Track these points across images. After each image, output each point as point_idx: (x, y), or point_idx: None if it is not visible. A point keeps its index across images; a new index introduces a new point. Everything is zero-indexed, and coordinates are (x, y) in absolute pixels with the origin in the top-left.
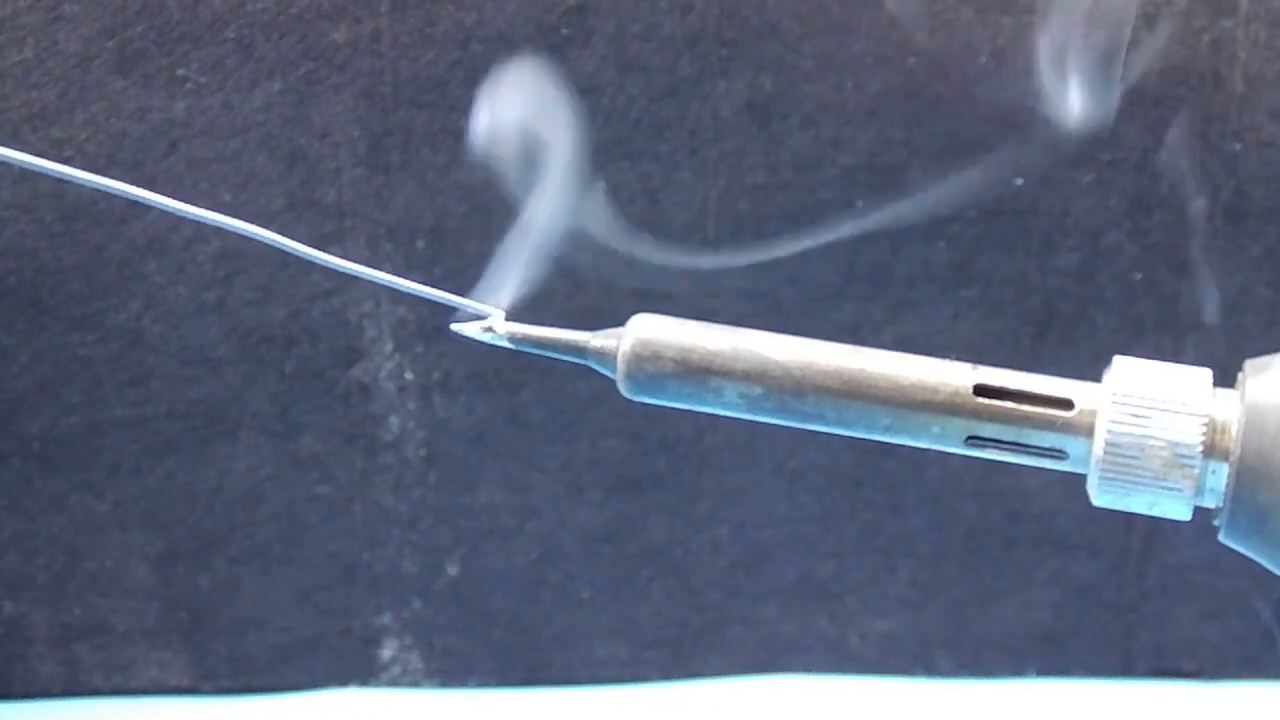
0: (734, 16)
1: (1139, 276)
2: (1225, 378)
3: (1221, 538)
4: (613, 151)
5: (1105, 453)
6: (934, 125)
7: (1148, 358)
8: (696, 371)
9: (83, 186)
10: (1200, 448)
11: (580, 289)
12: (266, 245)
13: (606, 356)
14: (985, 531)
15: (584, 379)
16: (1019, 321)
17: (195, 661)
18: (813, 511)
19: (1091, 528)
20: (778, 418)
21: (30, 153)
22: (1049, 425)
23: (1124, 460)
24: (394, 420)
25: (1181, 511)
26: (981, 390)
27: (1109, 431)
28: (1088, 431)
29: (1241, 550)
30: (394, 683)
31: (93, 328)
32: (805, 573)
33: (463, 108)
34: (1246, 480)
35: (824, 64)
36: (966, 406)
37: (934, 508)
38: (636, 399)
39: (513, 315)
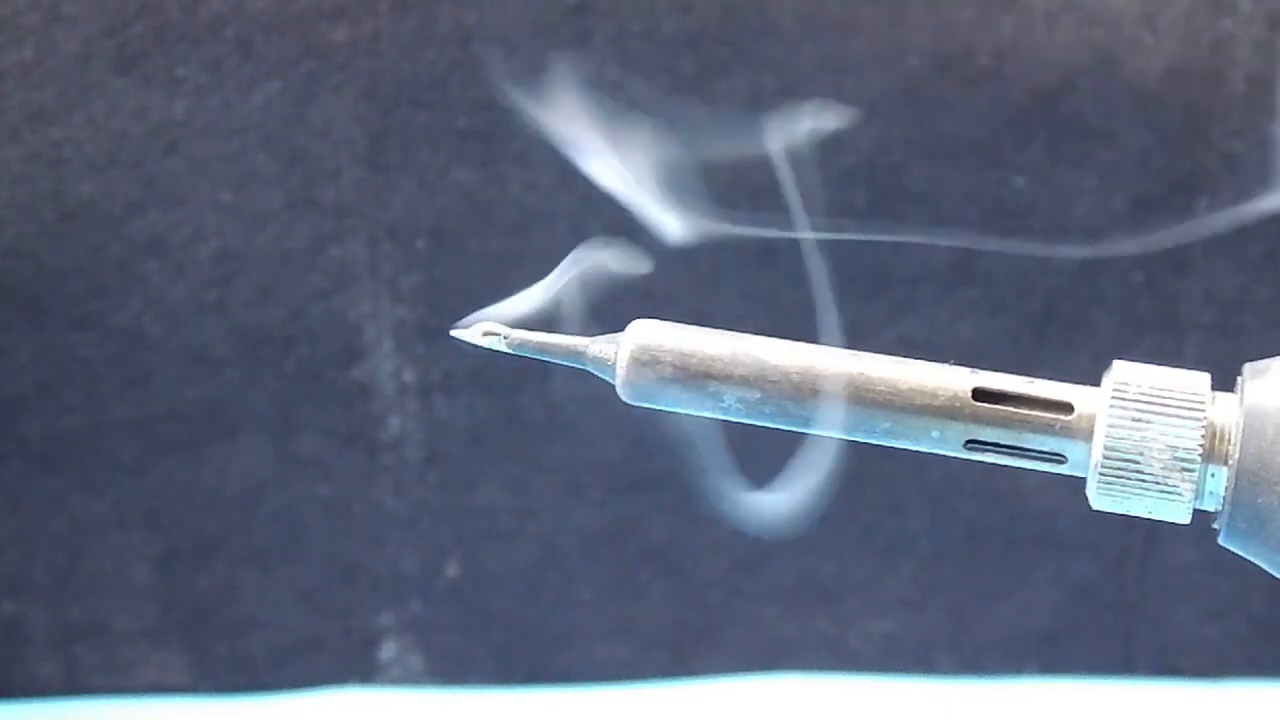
0: (734, 16)
1: (1139, 276)
2: (1225, 379)
3: (1221, 541)
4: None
5: (1104, 456)
6: (934, 125)
7: (1148, 358)
8: (695, 377)
9: (82, 186)
10: (1199, 451)
11: (579, 289)
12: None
13: (605, 362)
14: (985, 531)
15: (584, 379)
16: (1019, 321)
17: (195, 661)
18: (813, 511)
19: (1092, 528)
20: (777, 422)
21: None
22: (1048, 429)
23: (1123, 464)
24: (394, 420)
25: (1181, 515)
26: (980, 394)
27: (1108, 435)
28: (1087, 435)
29: (1241, 553)
30: (394, 683)
31: (93, 328)
32: (805, 573)
33: (463, 108)
34: (1245, 484)
35: (824, 64)
36: (965, 411)
37: (934, 508)
38: (636, 404)
39: (513, 317)
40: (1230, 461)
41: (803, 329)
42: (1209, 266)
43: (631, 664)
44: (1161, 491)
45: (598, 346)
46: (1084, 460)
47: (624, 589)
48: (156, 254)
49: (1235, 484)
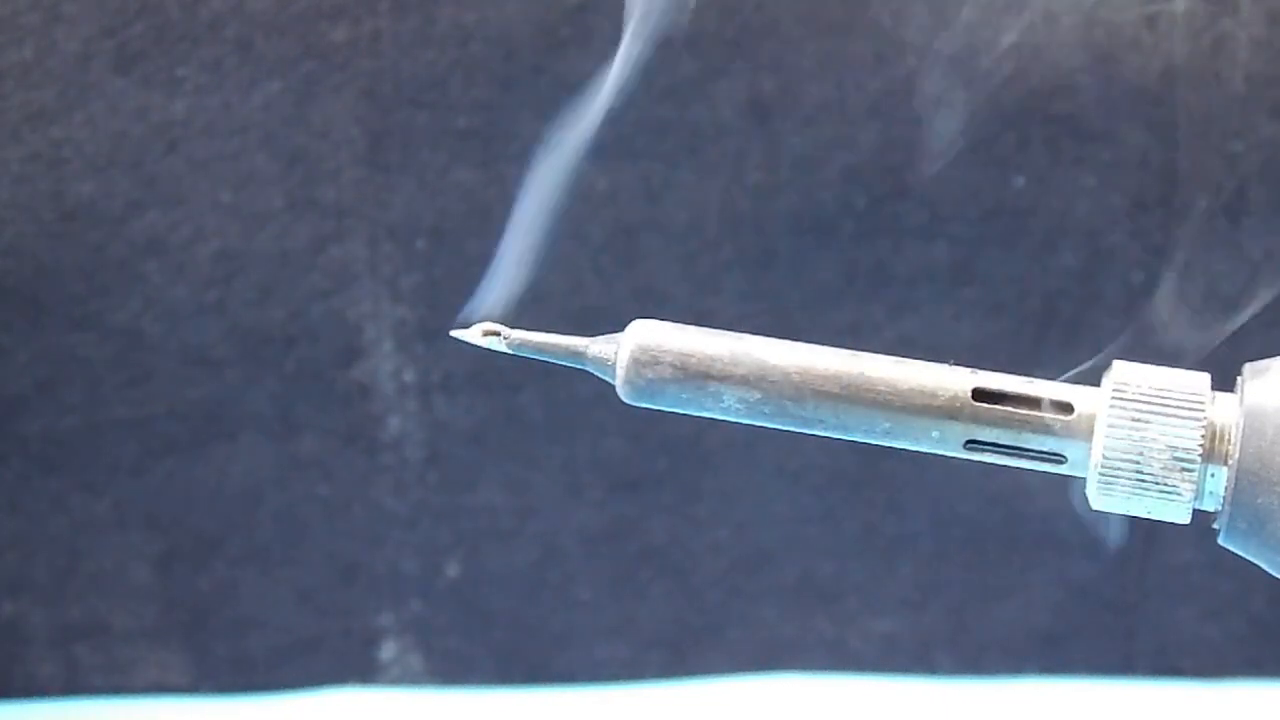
0: (734, 16)
1: (1139, 276)
2: (1225, 380)
3: (1221, 541)
4: (613, 151)
5: (1104, 457)
6: (934, 125)
7: (1148, 359)
8: (695, 377)
9: (82, 186)
10: (1199, 452)
11: (580, 289)
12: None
13: (605, 362)
14: (986, 532)
15: (584, 379)
16: (1019, 321)
17: (195, 661)
18: (813, 511)
19: (1092, 528)
20: (777, 422)
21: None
22: (1048, 429)
23: (1123, 464)
24: (394, 420)
25: (1181, 515)
26: (980, 394)
27: (1108, 435)
28: (1087, 435)
29: (1241, 553)
30: (394, 683)
31: (93, 328)
32: (805, 573)
33: (463, 108)
34: (1245, 484)
35: (824, 64)
36: (965, 411)
37: (934, 508)
38: (636, 404)
39: (512, 317)
40: (1230, 461)
41: (803, 329)
42: (1209, 266)
43: (631, 664)
44: (1161, 491)
45: (598, 347)
46: (1084, 460)
47: (624, 589)
48: (156, 254)
49: (1235, 484)
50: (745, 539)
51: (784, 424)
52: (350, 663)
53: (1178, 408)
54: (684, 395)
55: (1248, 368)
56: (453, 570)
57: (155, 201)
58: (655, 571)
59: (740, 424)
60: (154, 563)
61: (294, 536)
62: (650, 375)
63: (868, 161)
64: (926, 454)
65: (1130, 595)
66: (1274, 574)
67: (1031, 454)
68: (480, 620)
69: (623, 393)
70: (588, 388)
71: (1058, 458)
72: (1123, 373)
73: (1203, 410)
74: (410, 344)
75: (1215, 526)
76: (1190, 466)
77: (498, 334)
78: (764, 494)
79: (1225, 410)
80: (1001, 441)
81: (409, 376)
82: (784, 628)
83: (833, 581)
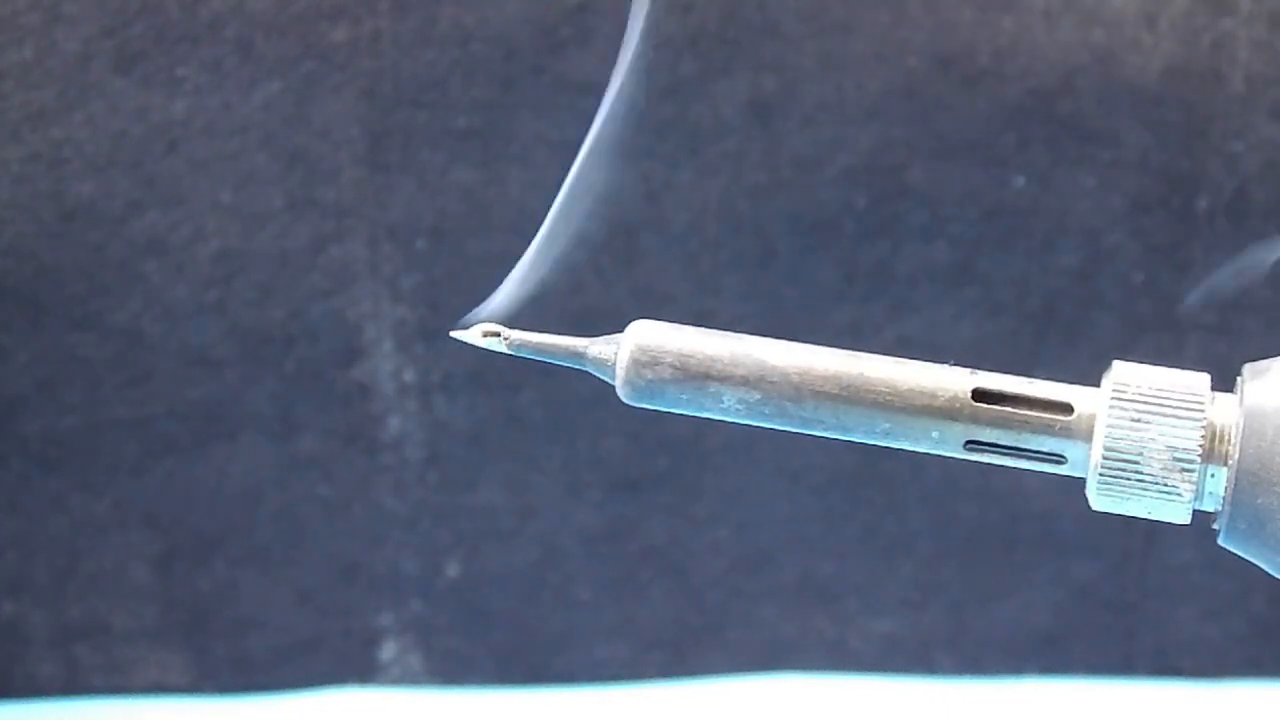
0: (734, 16)
1: (1139, 276)
2: (1225, 380)
3: (1221, 541)
4: (613, 151)
5: (1104, 457)
6: (934, 125)
7: (1148, 358)
8: (695, 378)
9: (82, 186)
10: (1199, 452)
11: (580, 289)
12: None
13: (605, 363)
14: (986, 532)
15: (584, 379)
16: (1019, 321)
17: (195, 661)
18: (813, 512)
19: (1092, 528)
20: (777, 423)
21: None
22: (1048, 430)
23: (1123, 464)
24: (394, 420)
25: (1181, 516)
26: (980, 395)
27: (1108, 436)
28: (1086, 436)
29: (1241, 554)
30: (394, 683)
31: (93, 328)
32: (805, 573)
33: (463, 108)
34: (1245, 484)
35: (824, 64)
36: (965, 411)
37: (934, 508)
38: (636, 405)
39: (513, 318)
40: (1230, 462)
41: (803, 329)
42: (1209, 266)
43: (631, 664)
44: (1161, 492)
45: (598, 347)
46: (1084, 461)
47: (624, 589)
48: (156, 254)
49: (1235, 484)
50: (745, 539)
51: (784, 424)
52: (350, 663)
53: (1177, 408)
54: (684, 396)
55: (1248, 368)
56: (453, 570)
57: (155, 201)
58: (655, 571)
59: (740, 424)
60: (154, 563)
61: (294, 536)
62: (650, 376)
63: (868, 161)
64: (926, 454)
65: (1130, 595)
66: (1274, 574)
67: (1031, 454)
68: (480, 620)
69: (622, 393)
70: (588, 388)
71: (1058, 458)
72: (1122, 373)
73: (1202, 410)
74: (410, 344)
75: (1215, 527)
76: (1190, 467)
77: (497, 335)
78: (764, 494)
79: (1225, 410)
80: (1001, 442)
81: (409, 376)
82: (784, 628)
83: (833, 581)
